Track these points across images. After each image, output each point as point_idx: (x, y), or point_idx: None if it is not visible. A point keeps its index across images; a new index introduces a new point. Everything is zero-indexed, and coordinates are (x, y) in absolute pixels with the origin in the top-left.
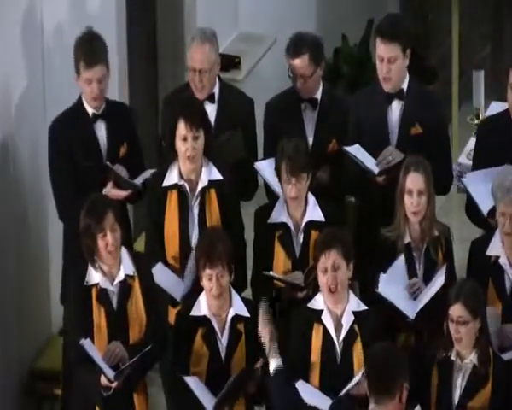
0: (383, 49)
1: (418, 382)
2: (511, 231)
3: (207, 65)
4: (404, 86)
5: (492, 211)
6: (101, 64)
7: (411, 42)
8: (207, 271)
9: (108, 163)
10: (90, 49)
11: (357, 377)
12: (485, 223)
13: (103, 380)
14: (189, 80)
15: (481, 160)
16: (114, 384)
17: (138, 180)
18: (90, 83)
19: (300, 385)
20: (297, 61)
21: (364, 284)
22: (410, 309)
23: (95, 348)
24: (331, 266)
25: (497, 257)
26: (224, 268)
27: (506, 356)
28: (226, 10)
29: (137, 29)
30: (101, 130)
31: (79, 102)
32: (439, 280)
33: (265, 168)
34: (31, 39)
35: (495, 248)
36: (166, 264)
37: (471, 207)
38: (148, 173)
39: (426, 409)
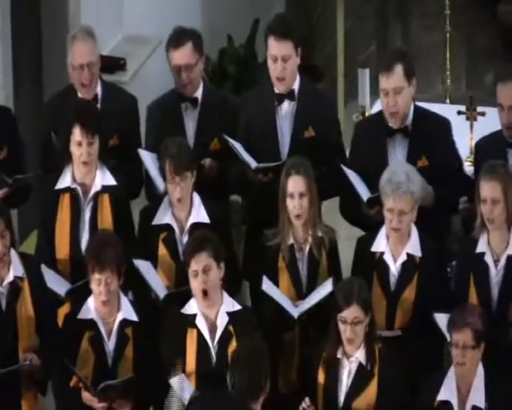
0: (277, 48)
1: (306, 381)
2: (398, 227)
3: (95, 57)
4: (295, 87)
5: (371, 201)
6: None
7: (301, 41)
8: (96, 275)
9: None
10: None
11: None
12: (361, 218)
13: None
14: (75, 80)
15: (355, 159)
16: None
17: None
18: None
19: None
20: (181, 51)
21: (255, 284)
22: (293, 309)
23: None
24: (202, 269)
25: (382, 253)
26: (114, 273)
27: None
28: (111, 12)
29: (22, 31)
30: None
31: None
32: (326, 288)
33: (148, 161)
34: None
35: (380, 245)
36: (56, 267)
37: (347, 202)
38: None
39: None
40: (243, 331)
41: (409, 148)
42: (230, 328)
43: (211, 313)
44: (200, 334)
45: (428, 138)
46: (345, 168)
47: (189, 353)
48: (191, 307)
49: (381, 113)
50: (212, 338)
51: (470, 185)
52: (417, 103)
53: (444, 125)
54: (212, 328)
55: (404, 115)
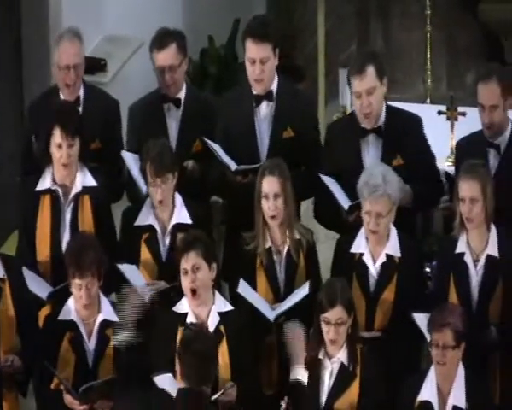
0: (255, 51)
1: (286, 383)
2: (376, 229)
3: (81, 59)
4: (274, 87)
5: (351, 208)
6: None
7: (280, 42)
8: (77, 281)
9: None
10: None
11: (227, 385)
12: (336, 221)
13: None
14: (59, 80)
15: (329, 162)
16: None
17: None
18: None
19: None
20: (165, 52)
21: (234, 285)
22: (269, 312)
23: None
24: (191, 267)
25: (361, 254)
26: (94, 277)
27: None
28: (92, 13)
29: (2, 32)
30: None
31: None
32: (302, 291)
33: (130, 162)
34: None
35: (359, 246)
36: (37, 268)
37: (321, 207)
38: None
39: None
40: (234, 332)
41: (383, 148)
42: (221, 328)
43: (202, 312)
44: None
45: (401, 137)
46: (323, 177)
47: None
48: (183, 305)
49: (352, 114)
50: None
51: (449, 181)
52: (389, 103)
53: (415, 121)
54: None
55: (377, 115)
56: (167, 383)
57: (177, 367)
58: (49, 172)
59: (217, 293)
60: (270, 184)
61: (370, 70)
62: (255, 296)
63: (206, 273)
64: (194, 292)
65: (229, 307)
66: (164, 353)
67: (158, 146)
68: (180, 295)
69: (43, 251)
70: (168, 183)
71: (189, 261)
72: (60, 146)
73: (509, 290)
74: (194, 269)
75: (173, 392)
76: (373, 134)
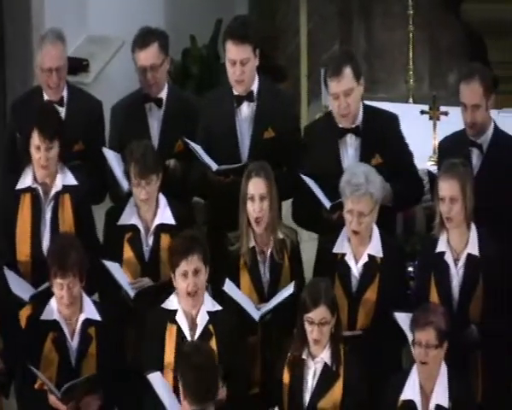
0: (235, 52)
1: (272, 384)
2: (358, 229)
3: (63, 61)
4: (254, 88)
5: (333, 207)
6: None
7: (260, 42)
8: (58, 280)
9: None
10: None
11: None
12: (316, 223)
13: None
14: (42, 82)
15: (308, 163)
16: None
17: None
18: None
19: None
20: (146, 52)
21: (216, 285)
22: (255, 311)
23: None
24: (192, 271)
25: (344, 254)
26: (76, 277)
27: None
28: (74, 13)
29: None
30: None
31: None
32: (287, 291)
33: (112, 160)
34: None
35: (341, 246)
36: (17, 268)
37: (301, 208)
38: None
39: None
40: (223, 332)
41: (361, 147)
42: (210, 327)
43: (192, 310)
44: (179, 330)
45: (379, 136)
46: (304, 177)
47: (167, 348)
48: (172, 302)
49: (329, 114)
50: (192, 336)
51: (431, 180)
52: (366, 102)
53: (392, 120)
54: (193, 326)
55: (355, 115)
56: (157, 381)
57: (180, 387)
58: (30, 170)
59: (206, 293)
60: (256, 186)
61: (347, 71)
62: (241, 295)
63: (204, 275)
64: (192, 294)
65: (217, 307)
66: (153, 350)
67: (141, 147)
68: (164, 291)
69: (23, 250)
70: (152, 184)
71: (190, 264)
72: (38, 148)
73: (490, 289)
74: (195, 272)
75: (165, 391)
76: (351, 134)
